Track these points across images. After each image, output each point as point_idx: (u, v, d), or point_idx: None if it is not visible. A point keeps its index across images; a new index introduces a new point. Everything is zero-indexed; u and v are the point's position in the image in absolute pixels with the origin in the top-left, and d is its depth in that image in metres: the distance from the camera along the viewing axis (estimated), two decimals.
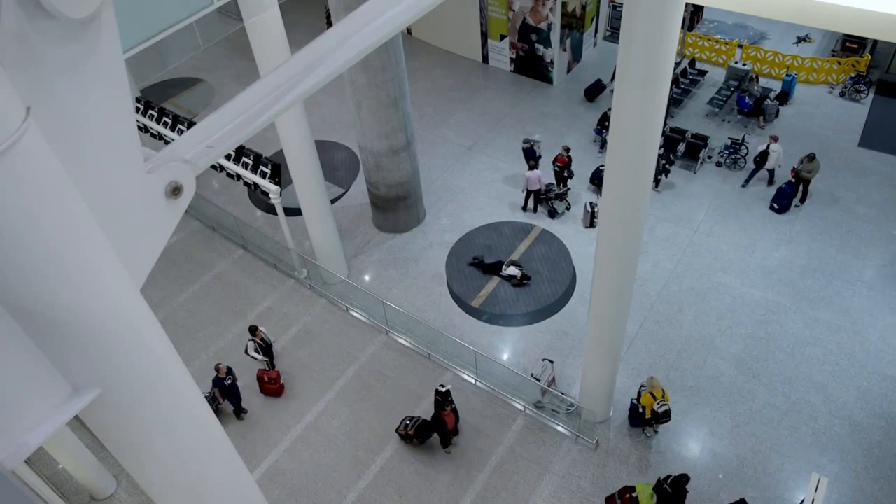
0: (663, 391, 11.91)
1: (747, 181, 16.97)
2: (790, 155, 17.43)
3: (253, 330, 13.25)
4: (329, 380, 13.75)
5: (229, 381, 12.65)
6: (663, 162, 16.44)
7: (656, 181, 16.55)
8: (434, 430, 12.30)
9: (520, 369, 13.29)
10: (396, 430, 12.54)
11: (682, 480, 10.96)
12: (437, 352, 13.95)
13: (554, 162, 16.73)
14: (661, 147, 16.44)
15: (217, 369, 12.57)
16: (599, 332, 10.94)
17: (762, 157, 16.61)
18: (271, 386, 13.32)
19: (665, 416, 11.79)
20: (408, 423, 12.42)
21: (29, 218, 2.36)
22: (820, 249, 15.32)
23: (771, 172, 16.80)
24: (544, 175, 16.96)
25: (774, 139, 16.50)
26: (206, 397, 12.62)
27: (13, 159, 2.22)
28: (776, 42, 21.50)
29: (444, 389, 12.01)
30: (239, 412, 13.12)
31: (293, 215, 15.55)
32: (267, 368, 13.42)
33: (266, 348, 13.31)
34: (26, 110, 2.26)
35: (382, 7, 3.79)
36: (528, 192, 16.55)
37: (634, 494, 11.16)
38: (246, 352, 13.23)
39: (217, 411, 12.86)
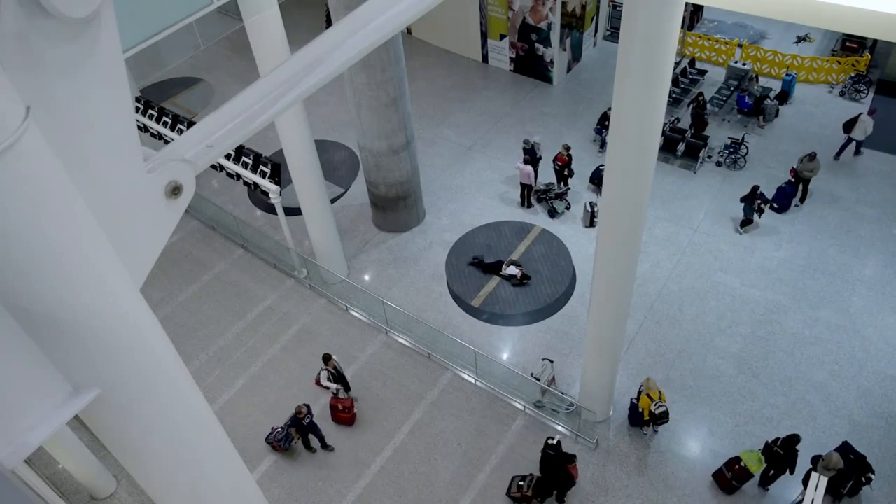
0: (660, 392, 11.93)
1: (839, 153, 17.22)
2: (790, 154, 17.46)
3: (326, 358, 12.73)
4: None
5: (307, 421, 12.10)
6: (759, 202, 15.25)
7: (745, 223, 15.68)
8: (555, 487, 11.44)
9: (519, 369, 13.29)
10: (508, 494, 11.57)
11: (793, 440, 11.02)
12: (437, 351, 13.95)
13: (554, 161, 16.75)
14: (758, 190, 15.34)
15: (298, 411, 11.98)
16: (599, 331, 10.94)
17: (849, 125, 16.88)
18: (345, 415, 12.81)
19: (662, 417, 11.81)
20: (521, 483, 11.51)
21: (29, 217, 2.36)
22: (820, 249, 15.33)
23: (859, 143, 17.04)
24: (544, 174, 17.01)
25: (871, 112, 16.82)
26: (278, 432, 12.40)
27: (13, 159, 2.22)
28: (776, 41, 21.50)
29: (555, 442, 11.32)
30: (325, 446, 12.66)
31: (293, 215, 15.54)
32: (339, 397, 12.85)
33: (338, 377, 12.84)
34: (26, 110, 2.26)
35: (382, 6, 3.79)
36: (522, 187, 16.61)
37: (742, 464, 11.22)
38: (318, 381, 12.82)
39: (289, 448, 12.54)
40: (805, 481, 10.93)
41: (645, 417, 11.97)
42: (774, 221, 16.05)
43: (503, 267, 15.22)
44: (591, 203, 16.26)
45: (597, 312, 10.65)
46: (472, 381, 13.53)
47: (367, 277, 15.72)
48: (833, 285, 14.57)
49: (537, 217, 16.70)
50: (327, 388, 12.74)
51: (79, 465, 11.90)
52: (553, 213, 16.60)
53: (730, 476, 11.38)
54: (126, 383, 3.10)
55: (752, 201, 15.34)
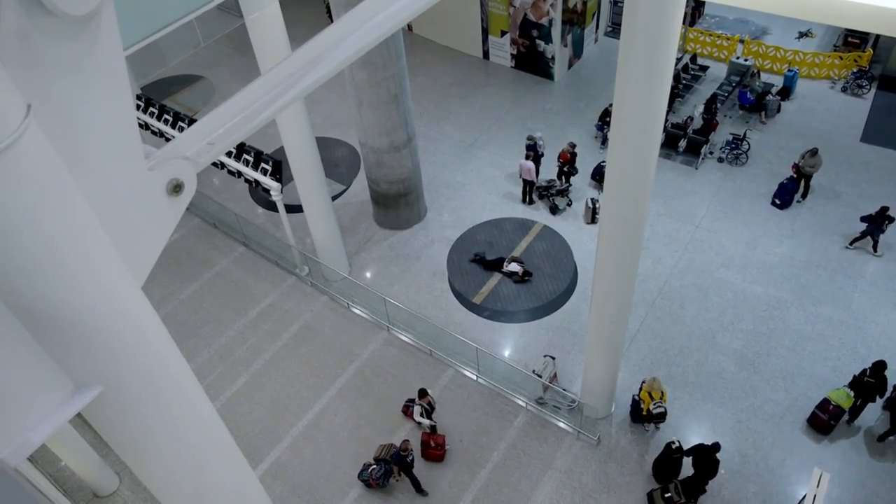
0: (662, 392, 11.92)
1: None
2: (792, 150, 17.43)
3: (422, 393, 12.34)
4: (330, 376, 13.76)
5: (411, 458, 11.59)
6: (886, 222, 14.52)
7: (857, 239, 14.95)
8: (704, 479, 11.17)
9: (521, 366, 13.29)
10: None
11: (882, 366, 11.45)
12: (439, 348, 13.96)
13: (558, 158, 16.76)
14: (887, 211, 14.48)
15: (403, 448, 11.46)
16: (601, 328, 10.94)
17: None
18: (437, 451, 12.24)
19: (659, 418, 11.85)
20: (668, 495, 11.06)
21: (30, 216, 2.36)
22: (822, 245, 15.30)
23: None
24: (547, 171, 17.00)
25: None
26: (374, 469, 11.69)
27: (14, 157, 2.22)
28: (778, 37, 21.45)
29: (677, 444, 11.21)
30: (420, 491, 11.97)
31: (294, 212, 15.54)
32: (432, 433, 12.38)
33: (430, 411, 12.39)
34: (27, 108, 2.25)
35: (383, 3, 3.78)
36: (524, 183, 16.61)
37: (834, 403, 11.80)
38: (410, 415, 12.46)
39: (386, 486, 11.88)
40: (891, 404, 11.80)
41: (644, 413, 12.01)
42: (776, 217, 16.02)
43: (505, 264, 15.22)
44: (592, 199, 16.25)
45: (598, 309, 10.65)
46: (474, 378, 13.54)
47: (368, 275, 15.72)
48: (835, 281, 14.55)
49: (539, 214, 16.69)
50: (420, 423, 12.32)
51: (81, 462, 11.93)
52: (555, 210, 16.59)
53: (826, 417, 11.87)
54: (128, 381, 3.10)
55: (882, 222, 14.55)
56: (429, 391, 12.50)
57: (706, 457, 11.10)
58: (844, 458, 11.85)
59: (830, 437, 12.09)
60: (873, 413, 12.33)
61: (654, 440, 12.33)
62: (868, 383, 11.69)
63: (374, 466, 11.78)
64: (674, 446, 11.31)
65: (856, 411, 12.03)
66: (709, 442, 11.33)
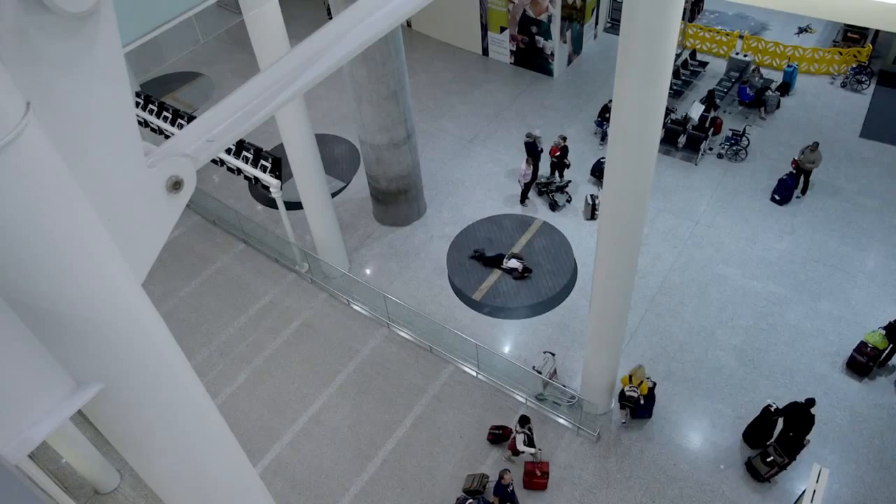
0: (642, 381, 11.94)
1: None
2: (791, 146, 17.42)
3: (524, 421, 11.64)
4: (331, 373, 13.78)
5: (512, 488, 11.10)
6: None
7: None
8: (802, 436, 11.33)
9: (521, 362, 13.30)
10: (762, 476, 11.36)
11: None
12: (439, 345, 13.97)
13: (550, 154, 16.75)
14: None
15: (501, 477, 10.96)
16: (601, 324, 10.95)
17: None
18: (542, 480, 11.68)
19: (629, 401, 11.94)
20: (769, 459, 11.29)
21: (30, 213, 2.36)
22: (821, 240, 15.31)
23: None
24: (546, 167, 17.00)
25: None
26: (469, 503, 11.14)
27: (14, 154, 2.22)
28: (777, 33, 21.42)
29: (774, 407, 11.49)
30: None
31: (294, 209, 15.54)
32: (535, 461, 11.86)
33: (530, 438, 11.78)
34: (26, 105, 2.25)
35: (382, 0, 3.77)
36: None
37: (871, 346, 12.43)
38: (512, 446, 11.78)
39: None
40: None
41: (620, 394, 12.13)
42: (776, 213, 16.03)
43: (504, 260, 15.23)
44: (592, 196, 16.25)
45: (598, 305, 10.65)
46: (474, 374, 13.56)
47: (368, 271, 15.72)
48: (834, 277, 14.56)
49: (538, 210, 16.69)
50: (522, 452, 11.64)
51: (82, 459, 11.95)
52: (554, 206, 16.59)
53: (865, 360, 12.49)
54: (129, 378, 3.10)
55: None
56: (530, 418, 11.85)
57: (802, 413, 11.28)
58: (844, 453, 11.87)
59: (830, 433, 12.10)
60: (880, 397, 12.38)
61: (655, 435, 12.35)
62: None
63: (471, 501, 11.16)
64: (772, 408, 11.51)
65: (888, 356, 12.63)
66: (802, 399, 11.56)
